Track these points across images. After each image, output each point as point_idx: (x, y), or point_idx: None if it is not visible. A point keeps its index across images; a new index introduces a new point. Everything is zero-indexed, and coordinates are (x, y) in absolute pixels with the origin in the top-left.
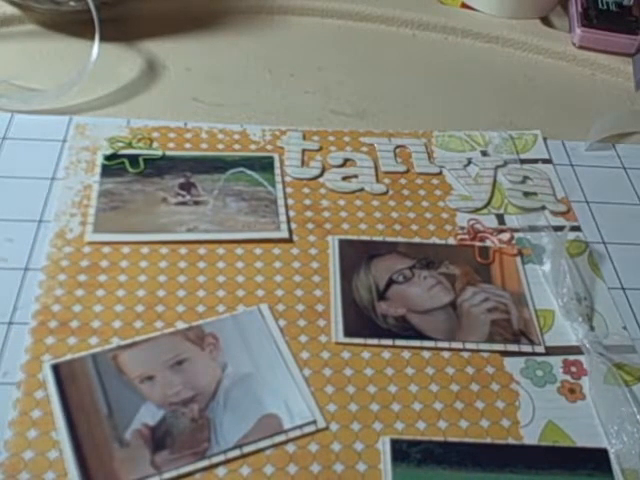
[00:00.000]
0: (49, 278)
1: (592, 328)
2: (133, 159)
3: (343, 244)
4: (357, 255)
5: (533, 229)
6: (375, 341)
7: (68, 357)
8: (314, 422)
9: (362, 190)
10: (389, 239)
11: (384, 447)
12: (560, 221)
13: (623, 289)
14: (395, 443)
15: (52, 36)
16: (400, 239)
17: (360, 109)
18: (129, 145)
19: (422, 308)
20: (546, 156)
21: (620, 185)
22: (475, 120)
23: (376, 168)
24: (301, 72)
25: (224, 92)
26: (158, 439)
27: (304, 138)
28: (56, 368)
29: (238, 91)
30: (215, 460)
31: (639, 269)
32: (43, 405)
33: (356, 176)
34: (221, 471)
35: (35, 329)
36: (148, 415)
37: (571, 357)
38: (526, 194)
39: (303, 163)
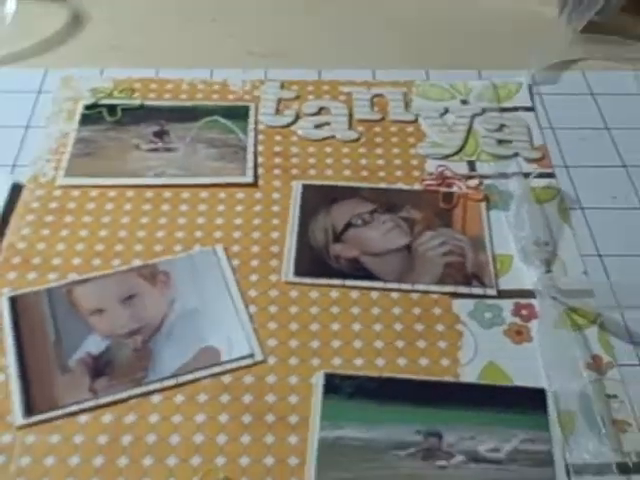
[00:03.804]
0: (19, 218)
1: (548, 272)
2: (112, 108)
3: (307, 189)
4: (319, 200)
5: (503, 176)
6: (324, 281)
7: (27, 290)
8: (252, 355)
9: (333, 137)
10: (353, 184)
11: (317, 381)
12: (534, 168)
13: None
14: (329, 377)
15: None
16: (364, 184)
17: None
18: (110, 95)
19: (376, 250)
20: (529, 104)
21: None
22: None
23: (350, 116)
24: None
25: (144, 39)
26: (99, 367)
27: (282, 87)
28: (13, 300)
29: (158, 37)
30: (151, 387)
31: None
32: None
33: (329, 124)
34: (156, 398)
35: None
36: (93, 345)
37: (523, 300)
38: (500, 142)
39: (277, 111)
